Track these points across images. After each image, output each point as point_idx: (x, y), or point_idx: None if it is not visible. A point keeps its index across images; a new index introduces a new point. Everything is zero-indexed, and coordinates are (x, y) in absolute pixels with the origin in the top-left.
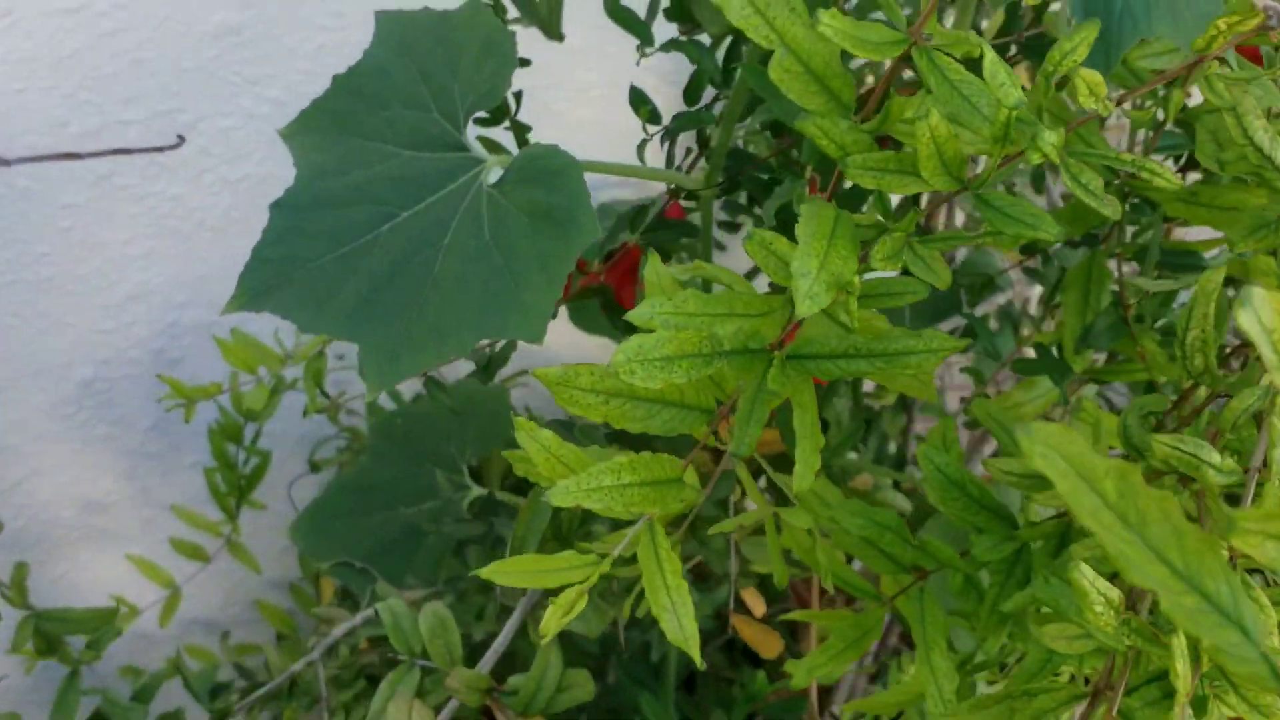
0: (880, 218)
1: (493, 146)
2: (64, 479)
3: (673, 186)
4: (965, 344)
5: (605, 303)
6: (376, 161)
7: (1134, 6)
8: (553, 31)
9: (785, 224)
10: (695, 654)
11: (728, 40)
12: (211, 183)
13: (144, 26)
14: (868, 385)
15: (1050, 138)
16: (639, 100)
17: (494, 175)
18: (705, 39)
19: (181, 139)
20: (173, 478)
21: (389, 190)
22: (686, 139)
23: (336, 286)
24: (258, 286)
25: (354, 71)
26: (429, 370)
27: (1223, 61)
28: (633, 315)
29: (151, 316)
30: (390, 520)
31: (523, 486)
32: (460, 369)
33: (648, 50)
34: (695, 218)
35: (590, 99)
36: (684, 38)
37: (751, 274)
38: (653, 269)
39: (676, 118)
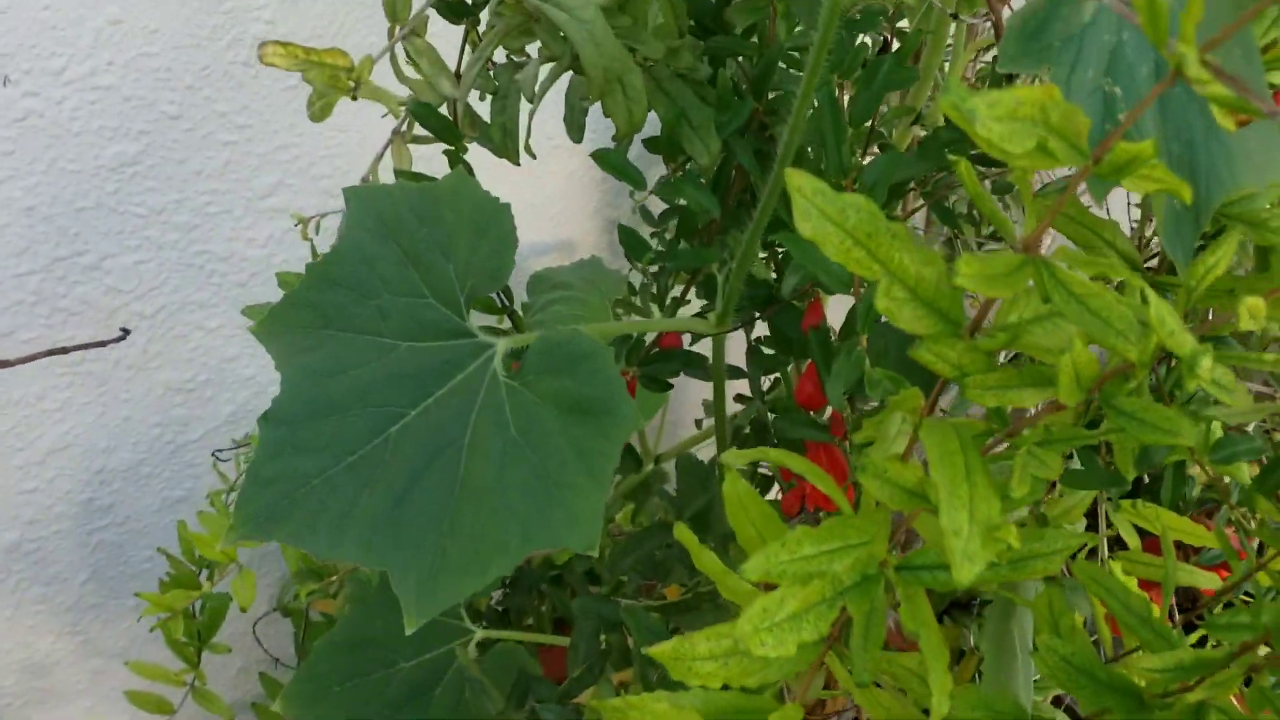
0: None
1: (490, 328)
2: (1, 648)
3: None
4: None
5: None
6: (373, 357)
7: (1217, 165)
8: (510, 157)
9: (785, 341)
10: None
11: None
12: (124, 320)
13: (31, 172)
14: None
15: (1207, 363)
16: (638, 246)
17: (505, 358)
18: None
19: (126, 331)
20: (116, 625)
21: (391, 388)
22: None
23: (349, 504)
24: (260, 512)
25: (330, 259)
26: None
27: None
28: (749, 571)
29: (76, 467)
30: (391, 678)
31: (508, 617)
32: None
33: (637, 195)
34: (703, 345)
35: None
36: (673, 173)
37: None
38: (732, 487)
39: (673, 257)
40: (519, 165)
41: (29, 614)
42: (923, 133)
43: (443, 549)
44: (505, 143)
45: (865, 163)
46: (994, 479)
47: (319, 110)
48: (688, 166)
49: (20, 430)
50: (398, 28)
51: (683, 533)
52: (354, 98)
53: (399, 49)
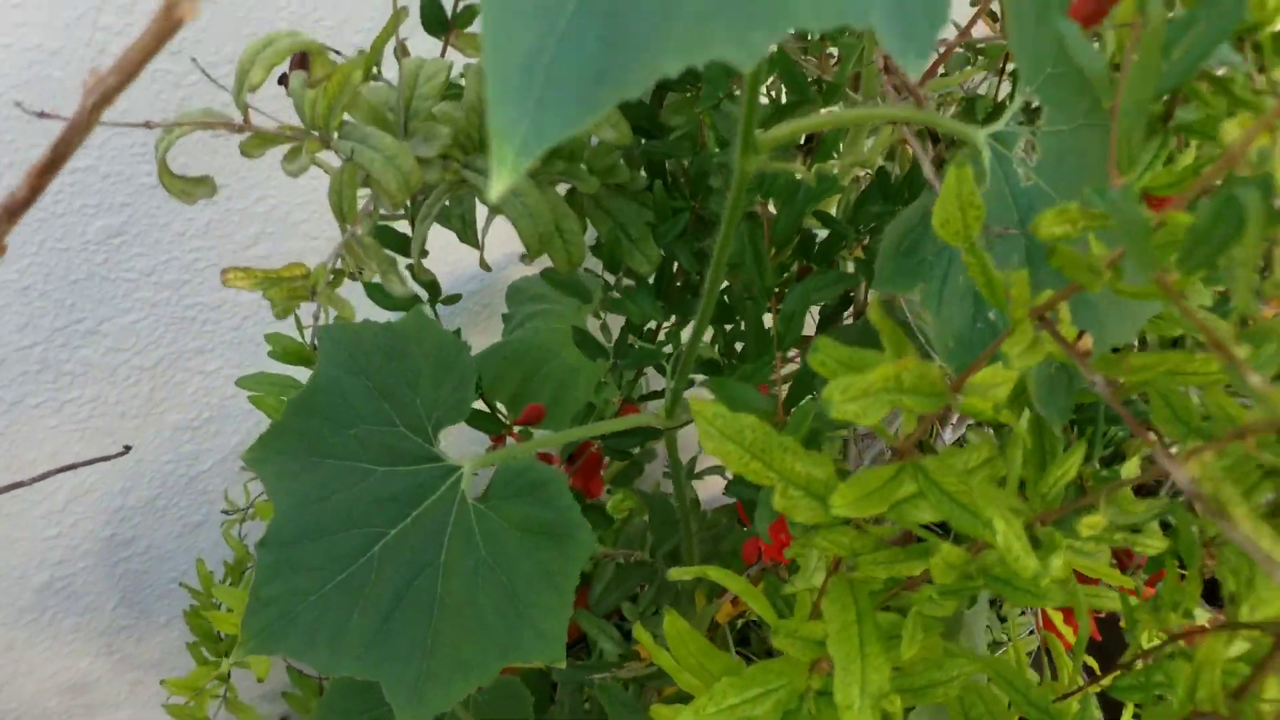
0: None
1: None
2: (45, 673)
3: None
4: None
5: (574, 495)
6: (354, 482)
7: (1088, 326)
8: (471, 244)
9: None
10: None
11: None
12: (126, 374)
13: (23, 255)
14: None
15: (1047, 581)
16: (592, 348)
17: (472, 481)
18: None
19: (128, 448)
20: (149, 640)
21: (371, 511)
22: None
23: (343, 620)
24: (263, 630)
25: (309, 391)
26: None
27: None
28: None
29: (96, 509)
30: None
31: None
32: None
33: (588, 308)
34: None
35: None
36: (615, 286)
37: None
38: (672, 625)
39: (622, 355)
40: (480, 249)
41: (66, 641)
42: (862, 173)
43: (426, 666)
44: (465, 231)
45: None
46: (886, 648)
47: (281, 311)
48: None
49: (40, 485)
50: (348, 226)
51: (641, 634)
52: (312, 299)
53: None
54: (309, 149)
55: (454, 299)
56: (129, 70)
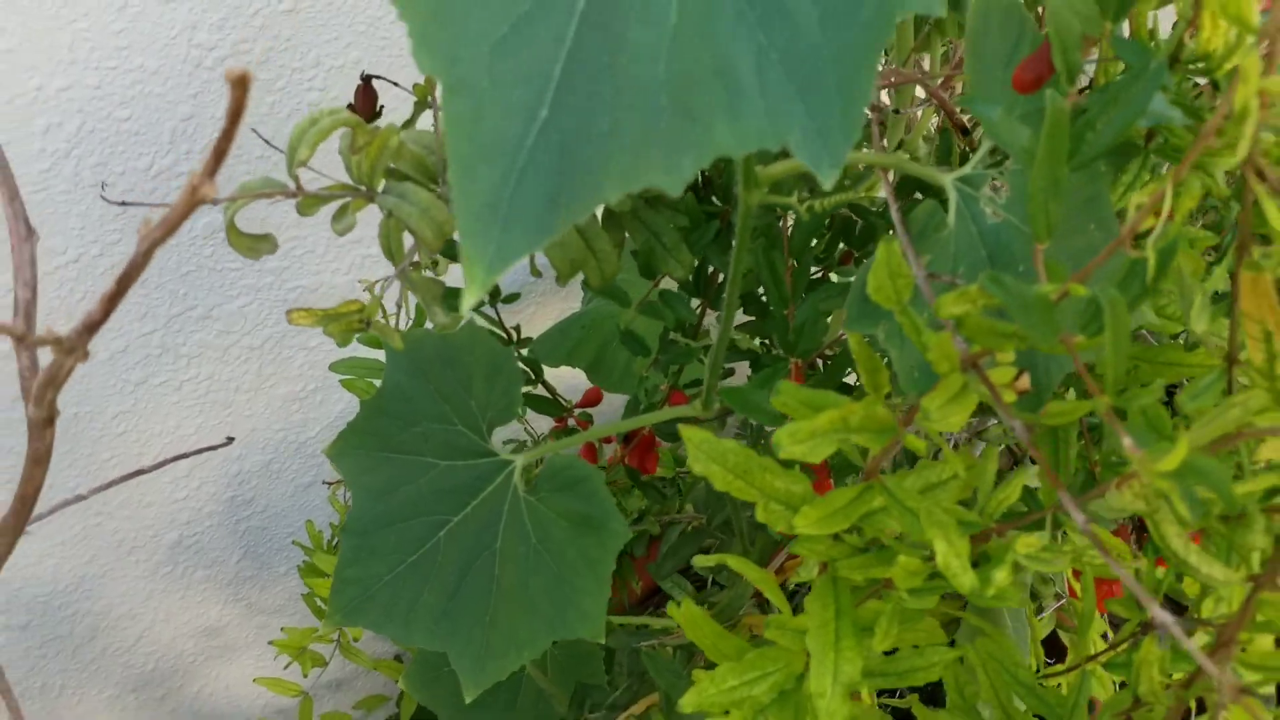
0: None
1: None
2: (180, 620)
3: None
4: None
5: (630, 473)
6: (419, 475)
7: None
8: (440, 318)
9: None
10: None
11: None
12: (238, 354)
13: None
14: None
15: (991, 590)
16: (636, 346)
17: (518, 473)
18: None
19: (230, 439)
20: (271, 589)
21: (436, 500)
22: None
23: (414, 597)
24: (347, 605)
25: (379, 395)
26: None
27: None
28: (685, 705)
29: (217, 474)
30: None
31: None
32: None
33: (628, 312)
34: None
35: None
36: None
37: None
38: (686, 612)
39: (664, 350)
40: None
41: (198, 591)
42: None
43: (486, 640)
44: (431, 307)
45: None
46: (860, 642)
47: (341, 341)
48: None
49: (165, 454)
50: (397, 265)
51: (674, 611)
52: (366, 328)
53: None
54: (354, 208)
55: (513, 298)
56: (171, 225)
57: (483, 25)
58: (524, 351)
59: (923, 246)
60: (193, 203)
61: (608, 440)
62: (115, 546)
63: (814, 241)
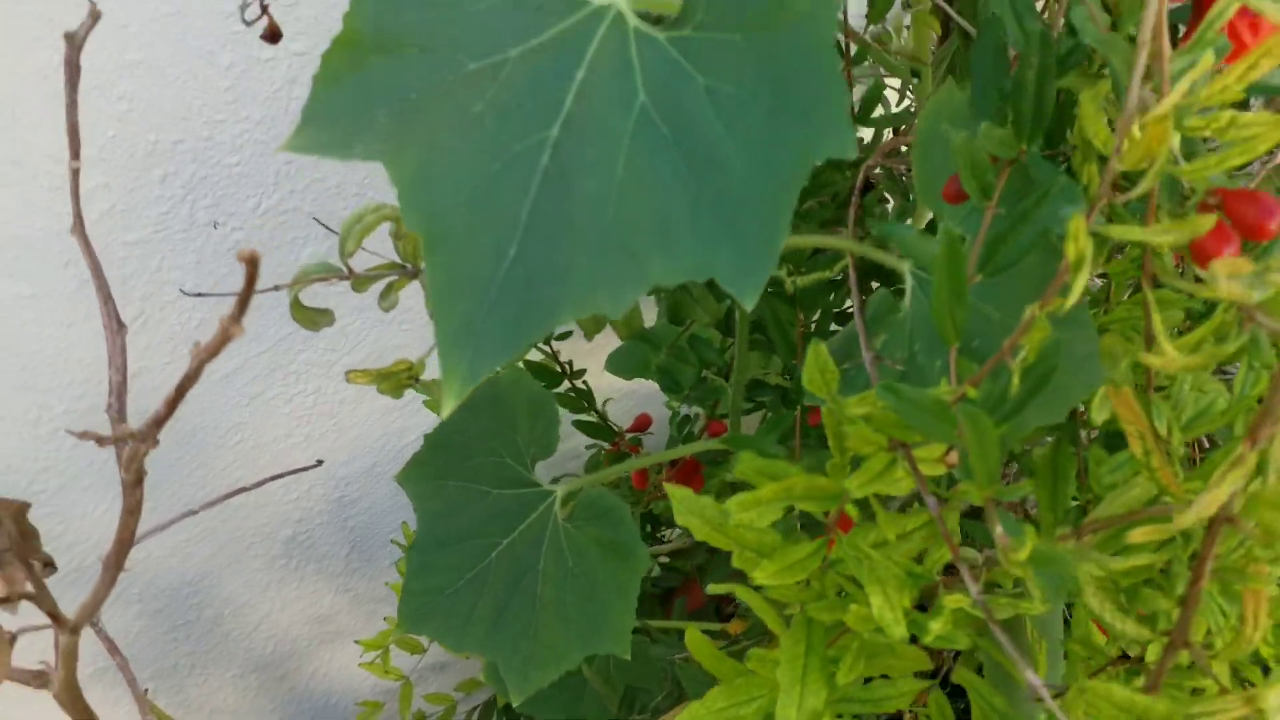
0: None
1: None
2: (295, 609)
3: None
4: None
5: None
6: (475, 501)
7: None
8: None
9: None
10: None
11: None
12: (340, 370)
13: None
14: None
15: (935, 626)
16: (671, 384)
17: (558, 502)
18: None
19: (320, 461)
20: (376, 580)
21: (488, 524)
22: None
23: (470, 609)
24: (413, 615)
25: (439, 430)
26: None
27: None
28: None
29: (326, 477)
30: None
31: None
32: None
33: (656, 358)
34: None
35: None
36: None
37: None
38: (692, 639)
39: (696, 389)
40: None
41: (310, 583)
42: None
43: (530, 651)
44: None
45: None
46: (828, 674)
47: (394, 394)
48: None
49: (278, 461)
50: None
51: (688, 632)
52: (415, 385)
53: None
54: (397, 287)
55: (565, 335)
56: (214, 350)
57: (459, 185)
58: (578, 382)
59: (881, 326)
60: (224, 340)
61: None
62: (235, 542)
63: (830, 295)
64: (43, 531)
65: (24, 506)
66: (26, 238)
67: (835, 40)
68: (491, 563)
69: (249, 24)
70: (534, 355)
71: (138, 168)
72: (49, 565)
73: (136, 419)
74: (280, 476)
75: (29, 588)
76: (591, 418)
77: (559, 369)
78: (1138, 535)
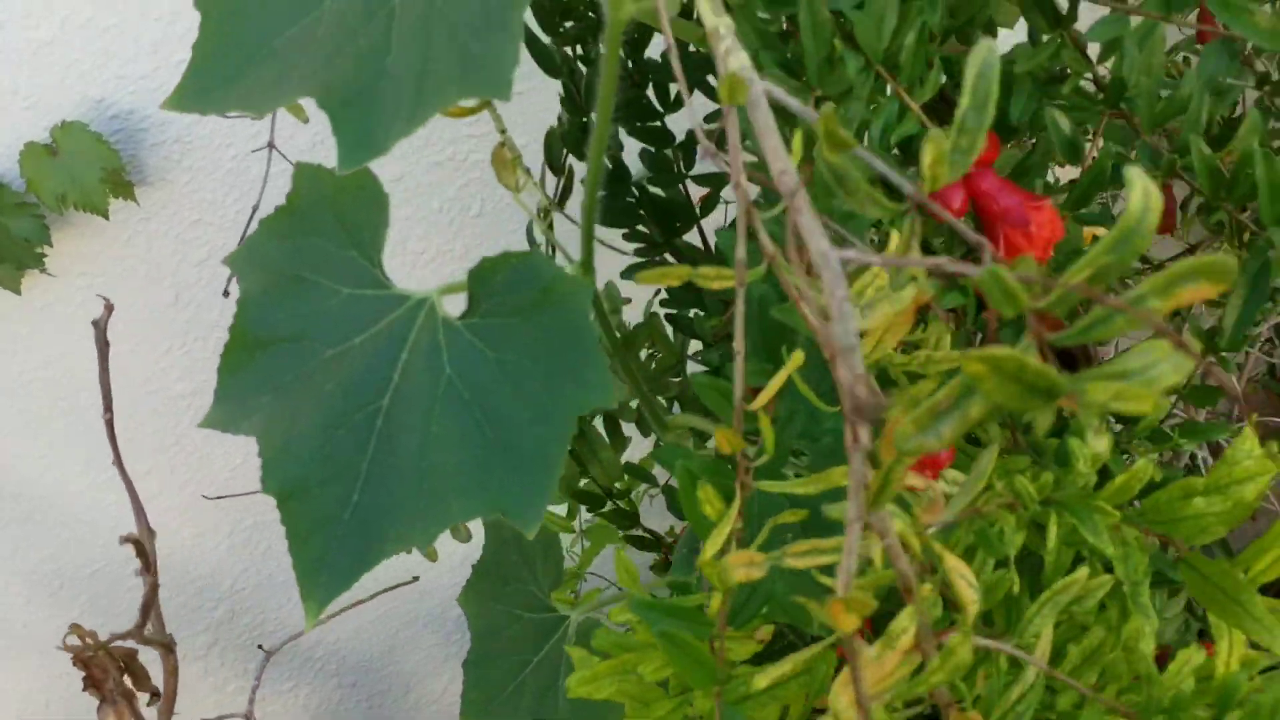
0: None
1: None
2: None
3: None
4: None
5: None
6: (513, 623)
7: None
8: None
9: None
10: None
11: None
12: None
13: None
14: None
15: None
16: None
17: (572, 626)
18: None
19: (415, 578)
20: None
21: (525, 642)
22: None
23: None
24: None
25: (483, 558)
26: None
27: None
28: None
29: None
30: None
31: None
32: None
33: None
34: None
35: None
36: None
37: None
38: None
39: None
40: None
41: None
42: None
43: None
44: None
45: None
46: None
47: (430, 556)
48: None
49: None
50: None
51: None
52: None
53: None
54: None
55: None
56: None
57: (314, 448)
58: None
59: None
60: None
61: None
62: (411, 623)
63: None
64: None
65: (133, 652)
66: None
67: (590, 315)
68: (525, 679)
69: None
70: None
71: None
72: (155, 695)
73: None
74: (376, 595)
75: None
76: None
77: None
78: None
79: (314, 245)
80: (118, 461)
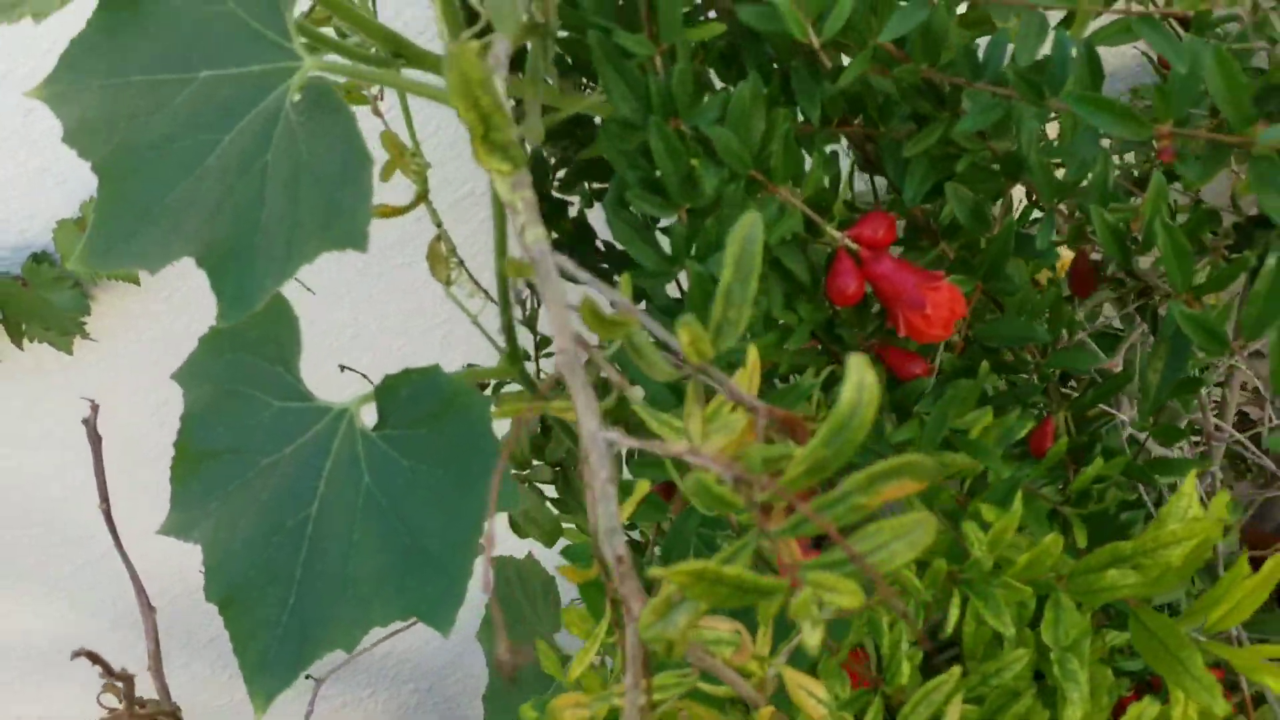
0: None
1: None
2: None
3: None
4: None
5: None
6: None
7: None
8: None
9: None
10: None
11: None
12: None
13: None
14: None
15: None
16: None
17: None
18: None
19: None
20: None
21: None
22: None
23: None
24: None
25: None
26: None
27: None
28: None
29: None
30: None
31: None
32: None
33: None
34: None
35: None
36: None
37: None
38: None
39: None
40: None
41: None
42: None
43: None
44: None
45: None
46: None
47: None
48: None
49: None
50: None
51: None
52: None
53: None
54: None
55: None
56: None
57: (253, 555)
58: None
59: None
60: None
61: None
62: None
63: None
64: None
65: (176, 709)
66: None
67: (490, 424)
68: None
69: None
70: None
71: None
72: None
73: None
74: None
75: None
76: None
77: None
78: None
79: (246, 361)
80: (118, 546)
